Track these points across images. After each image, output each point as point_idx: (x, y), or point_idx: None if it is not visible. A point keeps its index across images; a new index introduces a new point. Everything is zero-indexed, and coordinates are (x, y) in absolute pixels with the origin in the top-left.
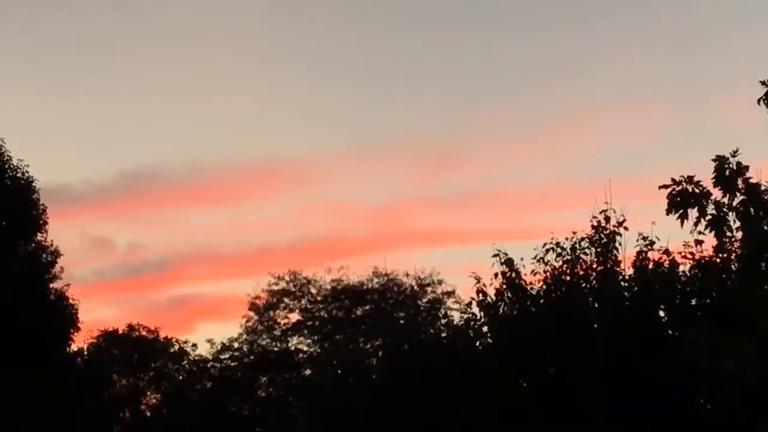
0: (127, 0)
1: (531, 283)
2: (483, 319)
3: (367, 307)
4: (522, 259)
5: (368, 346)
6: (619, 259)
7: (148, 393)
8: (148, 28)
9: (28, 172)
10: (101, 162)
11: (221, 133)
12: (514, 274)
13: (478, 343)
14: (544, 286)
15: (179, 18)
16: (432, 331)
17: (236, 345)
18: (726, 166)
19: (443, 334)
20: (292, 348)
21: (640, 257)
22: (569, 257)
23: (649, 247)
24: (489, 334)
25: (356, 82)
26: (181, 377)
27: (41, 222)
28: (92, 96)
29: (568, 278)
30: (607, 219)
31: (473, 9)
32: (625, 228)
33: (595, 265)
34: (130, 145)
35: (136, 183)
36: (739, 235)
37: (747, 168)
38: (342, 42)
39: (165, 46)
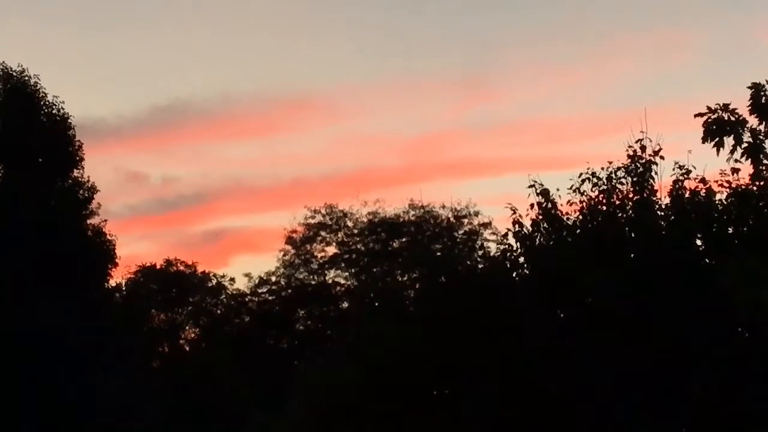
0: None
1: (567, 214)
2: (519, 250)
3: (404, 240)
4: (558, 189)
5: (405, 279)
6: (655, 188)
7: (186, 328)
8: None
9: (63, 109)
10: (134, 96)
11: (254, 66)
12: (549, 205)
13: (514, 274)
14: (580, 217)
15: None
16: (469, 262)
17: (273, 279)
18: (762, 93)
19: (480, 266)
20: (330, 281)
21: (677, 186)
22: (605, 187)
23: (685, 176)
24: (525, 265)
25: (387, 12)
26: (219, 312)
27: (77, 158)
28: (125, 30)
29: (604, 208)
30: (643, 148)
31: None
32: (661, 157)
33: (631, 195)
34: (162, 78)
35: (169, 116)
36: None
37: None
38: None
39: None
